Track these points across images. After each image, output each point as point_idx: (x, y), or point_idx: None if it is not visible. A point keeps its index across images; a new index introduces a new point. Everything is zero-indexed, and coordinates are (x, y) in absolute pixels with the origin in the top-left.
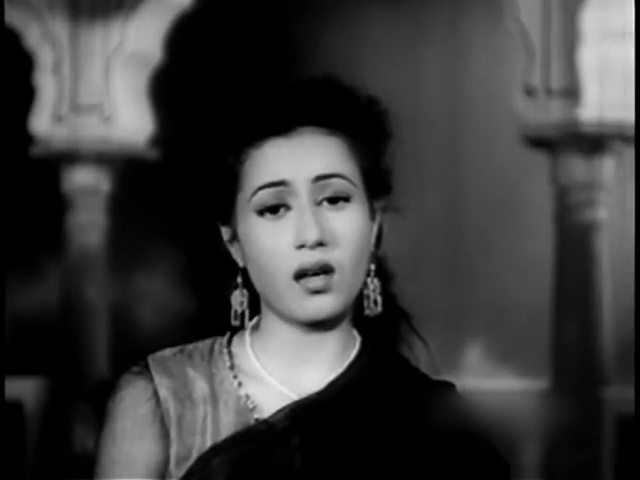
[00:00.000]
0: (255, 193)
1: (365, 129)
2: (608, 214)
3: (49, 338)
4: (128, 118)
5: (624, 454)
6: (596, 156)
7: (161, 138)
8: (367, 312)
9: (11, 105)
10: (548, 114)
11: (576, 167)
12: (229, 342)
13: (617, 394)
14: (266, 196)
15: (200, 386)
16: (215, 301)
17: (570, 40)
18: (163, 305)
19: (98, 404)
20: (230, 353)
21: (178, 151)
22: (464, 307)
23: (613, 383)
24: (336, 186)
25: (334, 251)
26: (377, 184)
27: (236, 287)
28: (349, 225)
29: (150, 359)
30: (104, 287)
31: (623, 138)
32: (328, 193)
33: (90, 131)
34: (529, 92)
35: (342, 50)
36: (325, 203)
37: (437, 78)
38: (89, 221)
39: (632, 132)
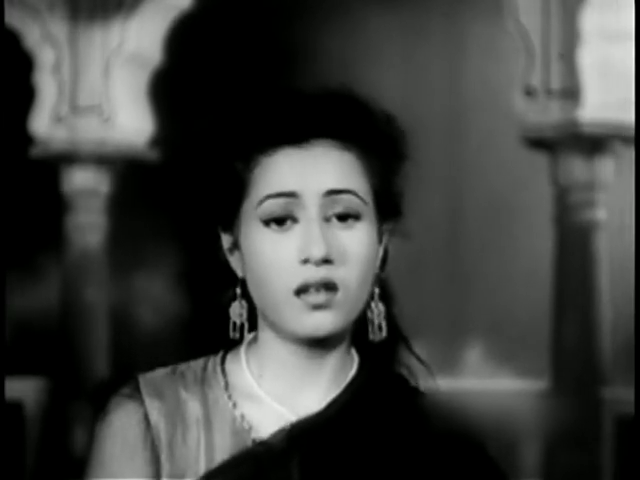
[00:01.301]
0: (262, 202)
1: (380, 147)
2: (608, 214)
3: (49, 339)
4: (127, 119)
5: (624, 455)
6: (596, 156)
7: (161, 139)
8: (371, 337)
9: (11, 106)
10: (548, 115)
11: (576, 167)
12: (223, 360)
13: (617, 394)
14: (274, 206)
15: (193, 407)
16: (213, 311)
17: (570, 41)
18: (162, 306)
19: (98, 404)
20: (224, 371)
21: (180, 152)
22: (464, 307)
23: (613, 383)
24: (346, 202)
25: (339, 269)
26: (388, 205)
27: (235, 298)
28: (357, 244)
29: (141, 379)
30: (104, 288)
31: (623, 139)
32: (338, 209)
33: (90, 132)
34: (529, 93)
35: (341, 51)
36: (334, 219)
37: (437, 78)
38: (88, 222)
39: (632, 133)
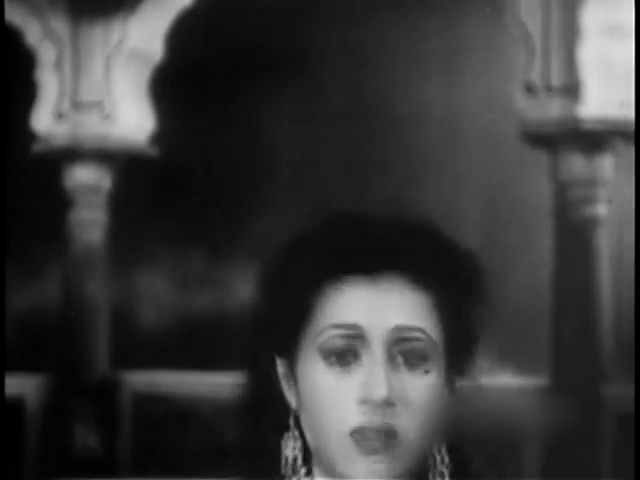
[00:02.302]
0: (325, 334)
1: (457, 286)
2: (608, 211)
3: (50, 335)
4: (129, 115)
5: (624, 452)
6: (596, 153)
7: (162, 135)
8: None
9: (12, 103)
10: (548, 111)
11: (576, 164)
12: None
13: (617, 392)
14: (336, 340)
15: None
16: (263, 442)
17: (570, 37)
18: (164, 303)
19: (99, 401)
20: None
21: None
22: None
23: (613, 380)
24: (414, 343)
25: (401, 415)
26: (460, 351)
27: (287, 429)
28: (422, 389)
29: None
30: (105, 284)
31: (623, 135)
32: (404, 349)
33: (91, 128)
34: (529, 89)
35: (342, 48)
36: (399, 360)
37: (436, 75)
38: (90, 218)
39: (632, 129)
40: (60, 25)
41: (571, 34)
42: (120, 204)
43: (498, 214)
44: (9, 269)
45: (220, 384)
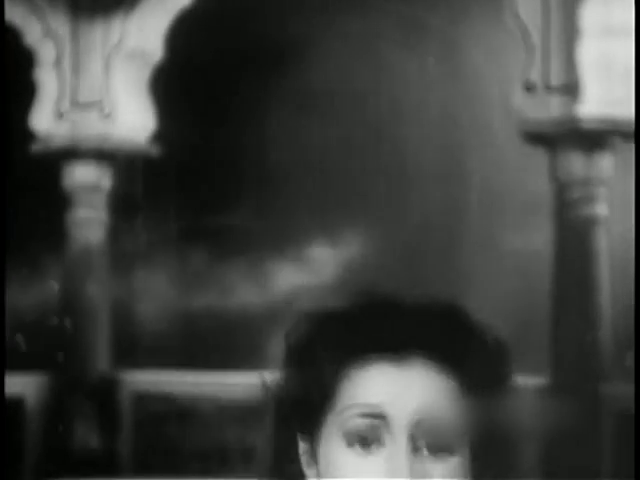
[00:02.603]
0: (347, 414)
1: (483, 374)
2: (608, 210)
3: (50, 334)
4: (129, 115)
5: (624, 452)
6: (596, 152)
7: (162, 135)
8: None
9: (11, 102)
10: (547, 110)
11: (575, 163)
12: None
13: (616, 391)
14: (359, 421)
15: None
16: None
17: (570, 36)
18: (164, 302)
19: (99, 401)
20: None
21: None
22: (463, 303)
23: (612, 380)
24: (439, 430)
25: None
26: (486, 440)
27: None
28: (446, 477)
29: None
30: (105, 283)
31: (623, 134)
32: (429, 436)
33: (91, 128)
34: (528, 88)
35: (338, 49)
36: (423, 446)
37: (435, 74)
38: (90, 218)
39: (632, 128)
40: (60, 24)
41: (571, 33)
42: (120, 203)
43: (497, 213)
44: (8, 269)
45: (220, 383)
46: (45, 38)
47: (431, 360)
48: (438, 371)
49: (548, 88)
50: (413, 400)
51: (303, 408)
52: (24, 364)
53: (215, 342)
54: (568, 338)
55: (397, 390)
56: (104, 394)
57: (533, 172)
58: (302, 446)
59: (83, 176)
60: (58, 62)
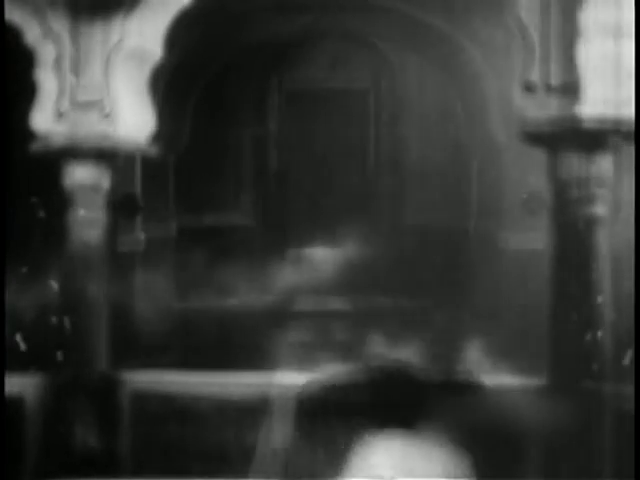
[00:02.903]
0: None
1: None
2: (607, 210)
3: (49, 333)
4: (128, 114)
5: (624, 452)
6: (595, 152)
7: (161, 134)
8: None
9: (12, 102)
10: (547, 110)
11: (575, 163)
12: None
13: (617, 391)
14: None
15: None
16: None
17: (569, 36)
18: (163, 301)
19: (98, 400)
20: None
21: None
22: (464, 304)
23: (612, 379)
24: None
25: None
26: None
27: None
28: None
29: None
30: (104, 283)
31: (622, 134)
32: None
33: (90, 127)
34: (528, 88)
35: (339, 49)
36: None
37: (436, 74)
38: (89, 217)
39: (631, 128)
40: (60, 25)
41: (571, 34)
42: (119, 203)
43: (497, 212)
44: (9, 268)
45: (220, 383)
46: (45, 38)
47: (445, 434)
48: (451, 445)
49: (548, 88)
50: (423, 473)
51: (313, 473)
52: (23, 364)
53: (214, 342)
54: (568, 338)
55: (407, 462)
56: (104, 394)
57: (533, 172)
58: None
59: (82, 175)
60: (58, 62)
